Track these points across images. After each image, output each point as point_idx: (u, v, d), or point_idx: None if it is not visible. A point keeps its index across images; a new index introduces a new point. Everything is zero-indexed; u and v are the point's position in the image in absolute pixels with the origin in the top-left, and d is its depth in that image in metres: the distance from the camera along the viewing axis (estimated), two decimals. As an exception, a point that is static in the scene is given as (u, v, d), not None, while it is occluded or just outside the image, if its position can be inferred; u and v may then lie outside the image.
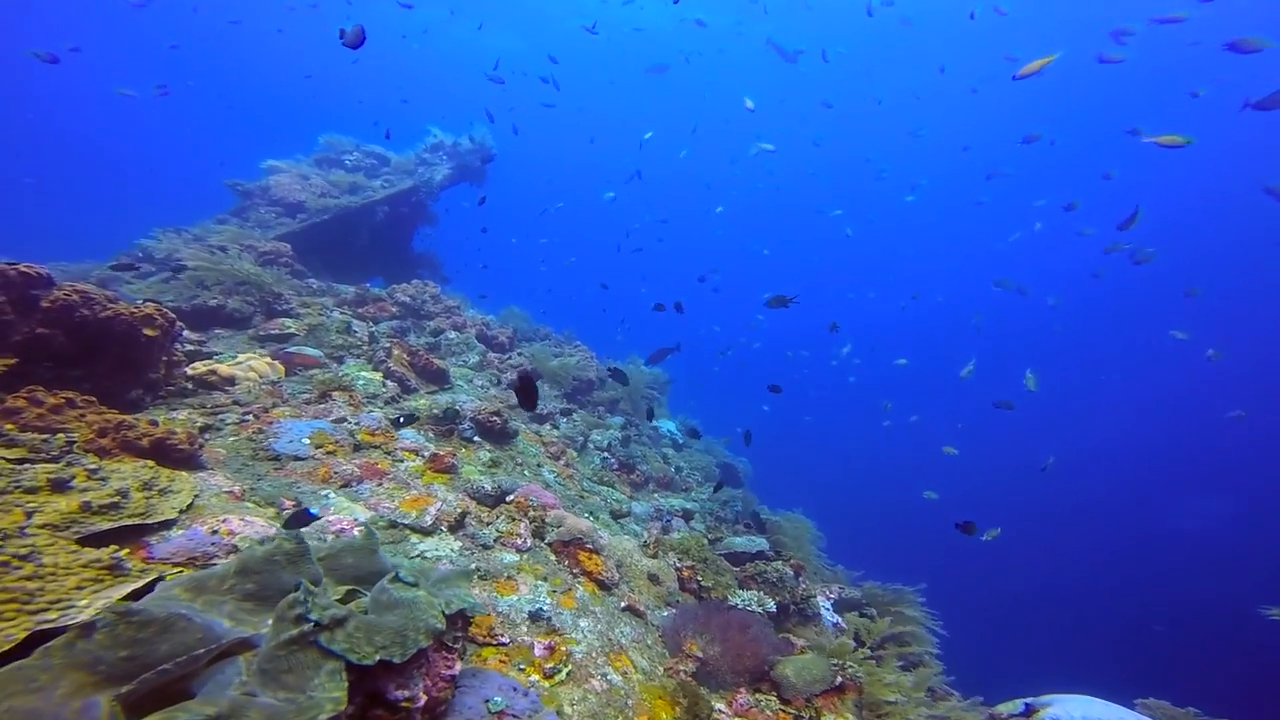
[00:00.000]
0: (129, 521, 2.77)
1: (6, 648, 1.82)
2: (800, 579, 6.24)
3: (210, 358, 5.53)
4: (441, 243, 14.37)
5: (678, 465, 9.09)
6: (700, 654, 4.03)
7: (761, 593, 5.38)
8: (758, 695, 3.94)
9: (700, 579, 5.34)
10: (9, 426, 2.95)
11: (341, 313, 7.78)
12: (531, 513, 4.80)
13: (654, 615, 4.71)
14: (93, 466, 2.90)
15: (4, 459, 2.64)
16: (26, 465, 2.72)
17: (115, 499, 2.77)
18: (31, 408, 3.34)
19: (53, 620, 1.96)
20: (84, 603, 2.06)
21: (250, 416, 4.67)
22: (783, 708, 3.77)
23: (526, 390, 3.89)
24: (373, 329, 7.41)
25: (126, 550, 2.79)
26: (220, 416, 4.55)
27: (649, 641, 4.29)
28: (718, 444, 12.05)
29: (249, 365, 5.37)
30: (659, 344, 11.54)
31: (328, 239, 10.74)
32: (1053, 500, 33.62)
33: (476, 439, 5.84)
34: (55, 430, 3.32)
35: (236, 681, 1.79)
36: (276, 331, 6.76)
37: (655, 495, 7.93)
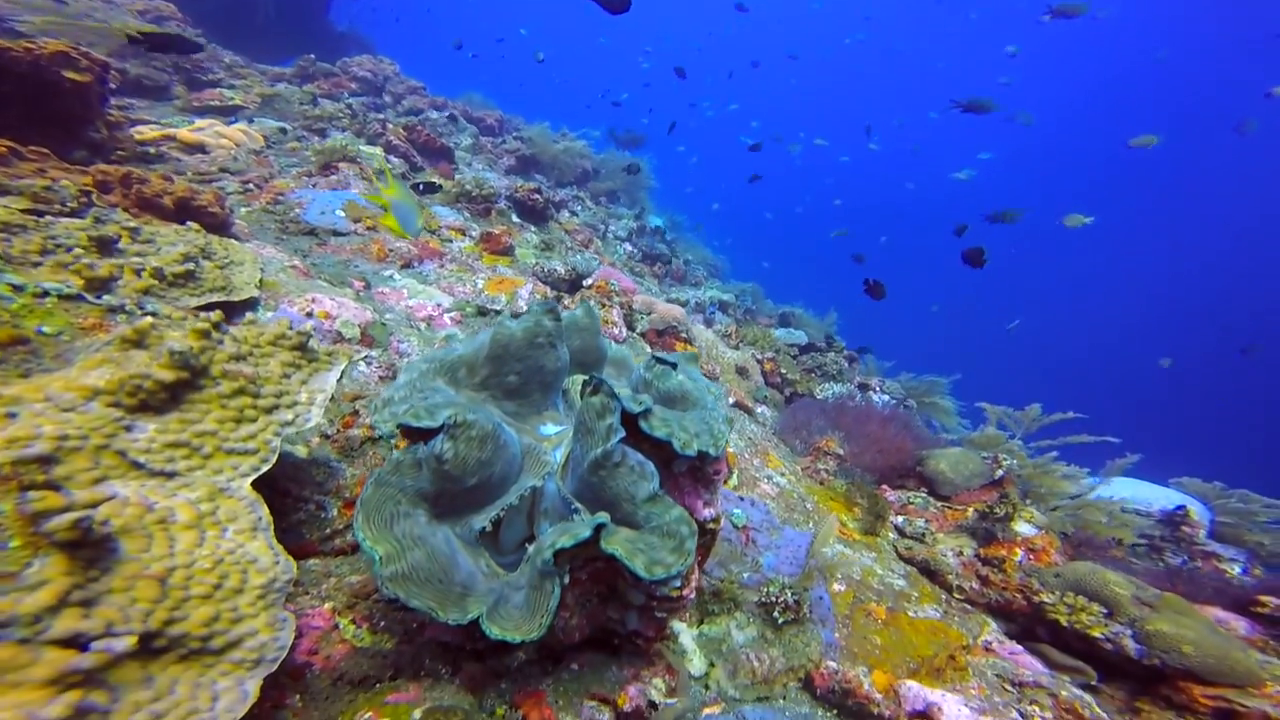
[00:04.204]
0: (215, 297, 1.90)
1: (274, 460, 1.20)
2: (854, 370, 6.02)
3: (153, 124, 4.14)
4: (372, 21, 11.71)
5: (685, 258, 8.46)
6: (840, 451, 3.65)
7: (846, 385, 5.06)
8: (905, 491, 3.59)
9: (784, 371, 4.93)
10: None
11: (288, 85, 6.15)
12: (617, 297, 4.09)
13: (757, 410, 4.30)
14: (131, 225, 1.92)
15: (11, 209, 1.66)
16: (46, 219, 1.72)
17: (189, 266, 1.85)
18: (-31, 155, 2.20)
19: (290, 421, 1.27)
20: (305, 397, 1.33)
21: (252, 186, 3.55)
22: (946, 505, 3.42)
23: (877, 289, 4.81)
24: (350, 102, 5.91)
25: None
26: (216, 184, 3.42)
27: (773, 438, 3.90)
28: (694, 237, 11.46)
29: (217, 131, 4.07)
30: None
31: (214, 6, 8.34)
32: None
33: (517, 219, 4.90)
34: (10, 188, 2.22)
35: (571, 512, 1.25)
36: (217, 103, 5.24)
37: (674, 289, 7.37)
